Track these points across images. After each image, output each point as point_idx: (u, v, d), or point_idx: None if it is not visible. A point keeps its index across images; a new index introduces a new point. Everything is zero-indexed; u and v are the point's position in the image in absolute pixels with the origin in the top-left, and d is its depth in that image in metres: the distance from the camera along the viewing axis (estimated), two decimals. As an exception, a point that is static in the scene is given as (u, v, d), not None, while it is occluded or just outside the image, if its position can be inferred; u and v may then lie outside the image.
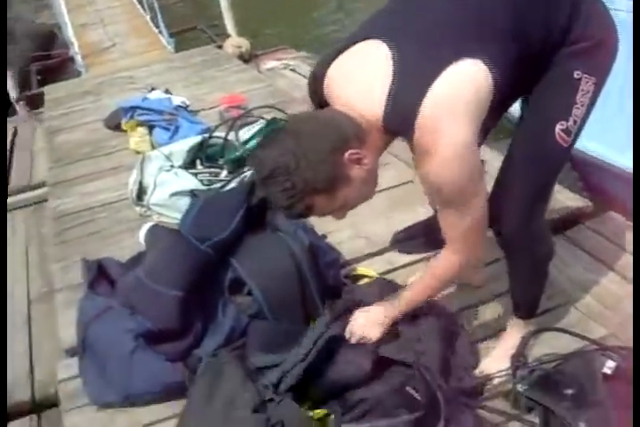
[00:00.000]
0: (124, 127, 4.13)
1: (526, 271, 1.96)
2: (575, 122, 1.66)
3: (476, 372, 2.03)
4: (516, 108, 1.81)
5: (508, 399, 1.92)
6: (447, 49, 1.49)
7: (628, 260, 2.52)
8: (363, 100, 1.53)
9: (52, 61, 8.46)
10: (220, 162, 3.30)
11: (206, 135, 3.43)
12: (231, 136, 3.36)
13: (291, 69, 5.69)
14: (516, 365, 1.97)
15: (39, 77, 7.71)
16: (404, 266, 2.60)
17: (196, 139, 3.41)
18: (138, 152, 3.87)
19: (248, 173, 3.08)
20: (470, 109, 1.49)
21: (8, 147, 5.08)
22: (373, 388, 1.87)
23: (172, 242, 2.14)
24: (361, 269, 2.55)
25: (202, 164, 3.32)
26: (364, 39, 1.57)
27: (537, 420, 1.82)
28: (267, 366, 1.86)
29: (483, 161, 1.61)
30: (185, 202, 2.96)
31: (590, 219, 2.85)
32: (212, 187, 3.07)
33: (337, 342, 1.89)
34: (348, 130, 1.52)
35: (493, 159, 2.32)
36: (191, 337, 2.00)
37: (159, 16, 7.55)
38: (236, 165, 3.25)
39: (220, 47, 6.43)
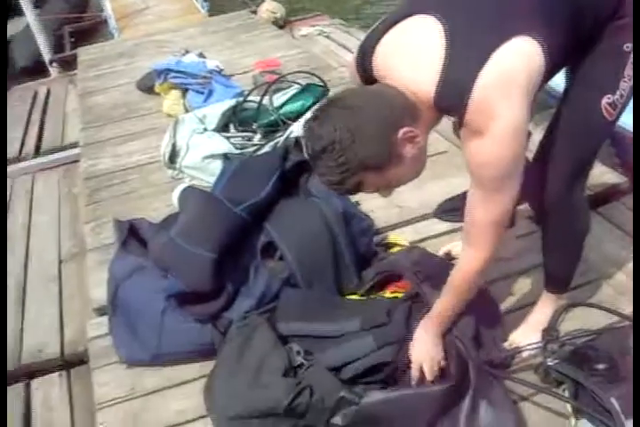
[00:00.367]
0: (157, 90, 4.11)
1: (562, 245, 1.93)
2: (622, 95, 1.62)
3: (506, 344, 2.01)
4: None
5: (537, 373, 1.91)
6: (500, 25, 1.45)
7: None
8: (414, 78, 1.49)
9: (84, 24, 8.45)
10: (254, 126, 3.26)
11: (240, 99, 3.39)
12: (265, 101, 3.32)
13: (325, 36, 5.63)
14: (547, 339, 1.95)
15: (72, 40, 7.70)
16: (435, 236, 2.58)
17: (230, 102, 3.38)
18: (170, 115, 3.86)
19: (281, 138, 3.06)
20: (524, 89, 1.44)
21: (41, 107, 5.09)
22: (403, 356, 1.85)
23: (206, 204, 2.13)
24: (392, 237, 2.53)
25: (235, 127, 3.29)
26: (415, 14, 1.53)
27: (566, 394, 1.79)
28: (297, 334, 1.84)
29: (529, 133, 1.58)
30: (217, 165, 2.94)
31: (625, 196, 2.81)
32: (244, 151, 3.05)
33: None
34: (403, 107, 1.48)
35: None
36: (222, 299, 1.99)
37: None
38: (270, 130, 3.23)
39: (254, 12, 6.36)
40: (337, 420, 1.65)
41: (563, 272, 2.00)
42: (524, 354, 1.96)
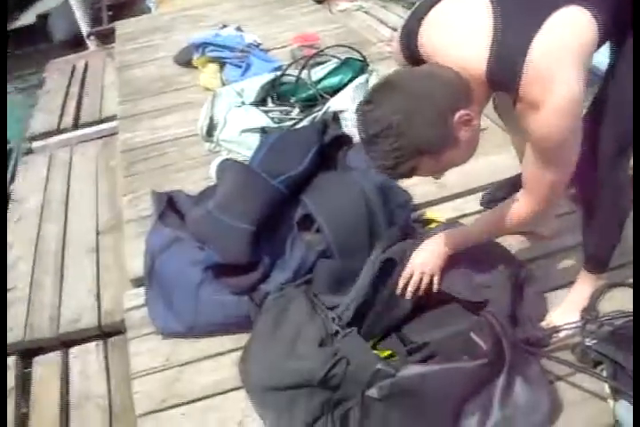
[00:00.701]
0: (194, 63, 4.10)
1: (604, 224, 1.88)
2: None
3: (543, 323, 1.98)
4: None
5: (574, 353, 1.87)
6: None
7: None
8: (463, 54, 1.46)
9: (122, -3, 8.44)
10: (292, 100, 3.23)
11: (278, 73, 3.37)
12: (304, 75, 3.29)
13: (364, 11, 5.55)
14: (586, 319, 1.91)
15: (110, 13, 7.70)
16: (473, 213, 2.52)
17: (269, 76, 3.35)
18: (208, 89, 3.84)
19: (319, 113, 3.03)
20: (578, 58, 1.40)
21: (79, 80, 5.12)
22: (437, 331, 1.84)
23: (244, 176, 2.12)
24: (430, 213, 2.49)
25: (273, 101, 3.27)
26: None
27: (604, 374, 1.77)
28: (333, 306, 1.84)
29: None
30: (255, 139, 2.93)
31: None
32: (282, 125, 3.02)
33: (393, 266, 1.87)
34: (458, 89, 1.45)
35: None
36: (259, 272, 1.99)
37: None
38: (307, 104, 3.20)
39: (292, -13, 6.28)
40: (372, 392, 1.63)
41: (602, 252, 1.95)
42: (562, 334, 1.93)
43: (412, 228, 2.30)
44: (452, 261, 1.89)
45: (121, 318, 2.45)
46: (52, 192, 3.60)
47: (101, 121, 4.34)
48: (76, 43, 6.92)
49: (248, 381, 1.86)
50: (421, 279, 1.86)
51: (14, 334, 2.62)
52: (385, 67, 3.49)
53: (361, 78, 3.19)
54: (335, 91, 3.24)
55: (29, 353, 2.59)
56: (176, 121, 3.65)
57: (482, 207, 2.55)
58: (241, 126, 3.04)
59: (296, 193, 2.14)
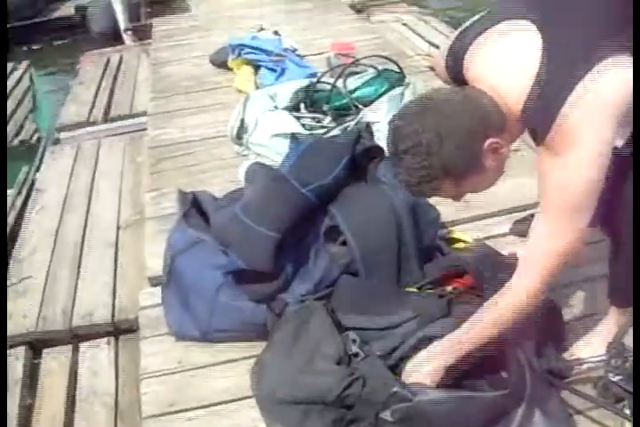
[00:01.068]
0: (230, 65, 4.08)
1: (631, 257, 1.82)
2: None
3: (566, 354, 1.93)
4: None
5: (597, 387, 1.82)
6: (602, 39, 1.37)
7: None
8: (506, 86, 1.43)
9: (162, -6, 8.47)
10: (325, 108, 3.20)
11: (314, 80, 3.34)
12: (339, 83, 3.25)
13: (402, 24, 5.53)
14: (611, 353, 1.85)
15: (148, 10, 7.74)
16: (499, 236, 2.49)
17: (303, 82, 3.33)
18: (240, 91, 3.83)
19: (352, 123, 3.00)
20: (614, 115, 1.36)
21: (113, 74, 5.12)
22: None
23: (274, 182, 2.08)
24: (456, 232, 2.45)
25: (306, 108, 3.24)
26: (512, 18, 1.46)
27: (627, 411, 1.71)
28: (353, 327, 1.80)
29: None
30: (284, 144, 2.88)
31: None
32: (313, 132, 2.99)
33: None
34: (492, 117, 1.43)
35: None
36: (280, 281, 1.95)
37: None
38: (340, 113, 3.17)
39: (333, -5, 6.28)
40: (386, 415, 1.59)
41: (630, 286, 1.90)
42: (585, 367, 1.88)
43: (438, 246, 2.26)
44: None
45: (135, 316, 2.42)
46: (76, 184, 3.59)
47: (131, 116, 4.33)
48: (112, 37, 6.94)
49: (260, 391, 1.81)
50: None
51: (26, 324, 2.60)
52: (421, 80, 3.47)
53: (396, 90, 3.16)
54: (369, 101, 3.21)
55: (40, 345, 2.57)
56: (206, 121, 3.64)
57: (507, 230, 2.51)
58: (272, 131, 3.01)
59: (325, 203, 2.10)
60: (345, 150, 2.25)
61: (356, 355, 1.69)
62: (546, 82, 1.37)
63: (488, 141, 1.41)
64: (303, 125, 3.06)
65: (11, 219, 3.44)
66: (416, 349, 1.73)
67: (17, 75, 5.66)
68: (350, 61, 3.58)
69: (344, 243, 2.05)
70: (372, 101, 3.18)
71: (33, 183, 3.74)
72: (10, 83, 5.47)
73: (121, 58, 5.49)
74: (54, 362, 2.48)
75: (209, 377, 2.01)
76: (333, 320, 1.79)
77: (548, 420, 1.66)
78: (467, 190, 1.53)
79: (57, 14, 8.62)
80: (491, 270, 1.96)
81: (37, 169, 3.87)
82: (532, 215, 2.44)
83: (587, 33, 1.40)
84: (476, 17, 1.57)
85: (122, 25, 6.64)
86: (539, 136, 1.42)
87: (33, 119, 4.76)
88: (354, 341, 1.72)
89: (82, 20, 8.03)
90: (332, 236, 2.06)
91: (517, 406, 1.65)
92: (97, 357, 2.45)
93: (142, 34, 6.25)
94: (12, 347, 2.52)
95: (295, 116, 3.13)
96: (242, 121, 3.13)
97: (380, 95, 3.20)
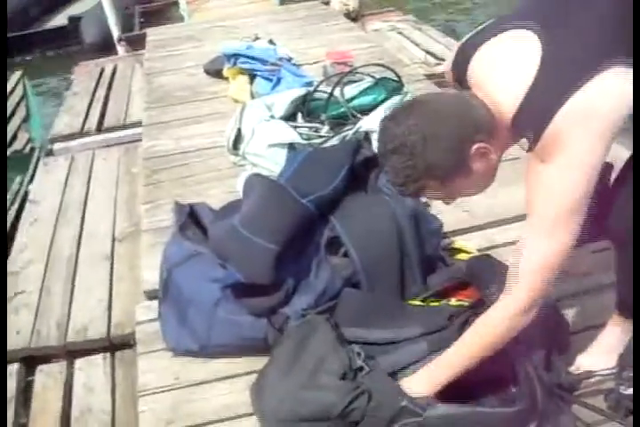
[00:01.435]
0: (225, 74, 4.04)
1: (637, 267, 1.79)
2: None
3: (573, 368, 1.88)
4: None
5: (607, 400, 1.77)
6: (602, 51, 1.39)
7: None
8: (500, 94, 1.46)
9: (154, 4, 8.48)
10: (322, 117, 3.15)
11: (311, 89, 3.29)
12: (336, 92, 3.21)
13: (398, 32, 5.51)
14: (621, 365, 1.81)
15: (142, 20, 7.74)
16: (503, 245, 2.44)
17: (300, 91, 3.28)
18: (236, 101, 3.79)
19: (350, 132, 2.95)
20: (607, 126, 1.36)
21: (107, 84, 5.08)
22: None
23: (273, 193, 2.04)
24: (459, 242, 2.41)
25: (303, 117, 3.19)
26: (518, 28, 1.48)
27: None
28: (356, 341, 1.75)
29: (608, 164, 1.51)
30: (282, 154, 2.85)
31: None
32: (311, 141, 2.95)
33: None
34: (483, 122, 1.45)
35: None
36: (281, 294, 1.90)
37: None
38: (338, 122, 3.12)
39: (326, 4, 6.27)
40: (395, 430, 1.55)
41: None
42: (595, 379, 1.83)
43: (441, 257, 2.22)
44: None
45: (131, 331, 2.37)
46: (70, 195, 3.54)
47: (125, 126, 4.29)
48: (105, 47, 6.95)
49: (261, 408, 1.75)
50: None
51: (19, 340, 2.53)
52: (419, 88, 3.44)
53: (395, 99, 3.12)
54: (367, 110, 3.17)
55: (34, 361, 2.51)
56: (201, 131, 3.60)
57: (514, 238, 2.46)
58: (268, 140, 2.96)
59: (325, 213, 2.06)
60: (344, 160, 2.21)
61: (361, 369, 1.64)
62: (542, 90, 1.39)
63: (476, 146, 1.43)
64: (300, 135, 3.01)
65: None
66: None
67: (10, 84, 5.60)
68: (347, 70, 3.55)
69: (345, 254, 2.01)
70: (370, 110, 3.14)
71: (26, 194, 3.69)
72: (2, 92, 5.43)
73: (115, 68, 5.45)
74: (48, 379, 2.42)
75: (208, 394, 1.95)
76: (337, 334, 1.74)
77: (560, 435, 1.62)
78: (455, 193, 1.56)
79: (50, 25, 8.61)
80: (496, 282, 1.92)
81: (31, 180, 3.82)
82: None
83: (587, 45, 1.41)
84: (480, 28, 1.60)
85: (115, 35, 6.62)
86: (530, 143, 1.43)
87: (26, 129, 4.71)
88: (358, 354, 1.67)
89: (75, 30, 8.03)
90: (332, 247, 2.01)
91: (531, 422, 1.60)
92: (92, 373, 2.39)
93: (136, 44, 6.24)
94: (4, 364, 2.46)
95: (292, 126, 3.08)
96: (238, 131, 3.07)
97: (379, 104, 3.16)
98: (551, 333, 1.86)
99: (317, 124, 3.15)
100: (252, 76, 3.88)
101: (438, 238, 2.22)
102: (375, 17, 6.06)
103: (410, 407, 1.52)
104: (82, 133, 4.27)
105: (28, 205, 3.54)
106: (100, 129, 4.32)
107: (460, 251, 2.35)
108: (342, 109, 3.17)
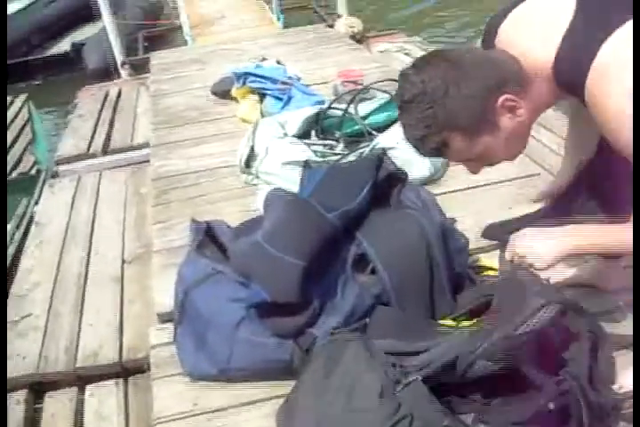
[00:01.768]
0: (234, 94, 3.98)
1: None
2: None
3: (615, 386, 1.78)
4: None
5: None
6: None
7: None
8: (533, 45, 1.41)
9: (158, 29, 8.51)
10: (337, 135, 3.09)
11: (324, 106, 3.23)
12: (350, 109, 3.15)
13: (405, 53, 5.47)
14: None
15: (145, 44, 7.74)
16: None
17: (313, 109, 3.22)
18: (245, 120, 3.73)
19: (367, 149, 2.89)
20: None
21: (112, 107, 5.04)
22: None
23: (297, 208, 1.95)
24: (484, 260, 2.32)
25: (317, 135, 3.13)
26: None
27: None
28: (391, 352, 1.64)
29: None
30: (296, 172, 2.76)
31: None
32: (326, 159, 2.88)
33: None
34: (510, 72, 1.40)
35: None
36: (308, 313, 1.79)
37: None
38: (353, 140, 3.06)
39: (330, 26, 6.26)
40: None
41: None
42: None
43: (469, 275, 2.14)
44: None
45: (144, 355, 2.28)
46: (77, 217, 3.46)
47: (132, 148, 4.22)
48: (108, 73, 6.92)
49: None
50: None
51: (27, 366, 2.43)
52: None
53: (411, 115, 3.05)
54: (381, 127, 3.11)
55: (42, 387, 2.40)
56: (210, 151, 3.52)
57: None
58: (283, 159, 2.89)
59: (350, 229, 1.97)
60: (367, 175, 2.12)
61: (398, 382, 1.53)
62: (576, 40, 1.34)
63: (503, 97, 1.37)
64: (315, 153, 2.95)
65: (10, 253, 3.29)
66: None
67: (15, 107, 5.55)
68: (364, 86, 3.50)
69: (372, 271, 1.91)
70: (384, 127, 3.08)
71: (32, 217, 3.60)
72: (8, 116, 5.36)
73: (119, 91, 5.41)
74: (58, 406, 2.31)
75: (229, 420, 1.84)
76: (369, 350, 1.64)
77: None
78: (481, 156, 1.46)
79: (52, 51, 8.62)
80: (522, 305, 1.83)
81: (36, 202, 3.74)
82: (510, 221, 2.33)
83: None
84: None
85: (119, 59, 6.58)
86: (577, 89, 1.36)
87: (31, 152, 4.65)
88: (393, 365, 1.56)
89: (77, 56, 8.04)
90: (360, 264, 1.92)
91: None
92: (104, 400, 2.28)
93: (139, 68, 6.21)
94: (12, 390, 2.35)
95: (306, 144, 3.02)
96: (251, 149, 3.01)
97: (393, 121, 3.09)
98: (594, 349, 1.76)
99: (332, 142, 3.09)
100: (262, 96, 3.82)
101: (466, 255, 2.14)
102: (380, 39, 6.03)
103: (452, 427, 1.43)
104: (88, 155, 4.21)
105: (33, 227, 3.46)
106: (106, 151, 4.25)
107: (486, 268, 2.26)
108: (357, 127, 3.12)
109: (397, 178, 2.21)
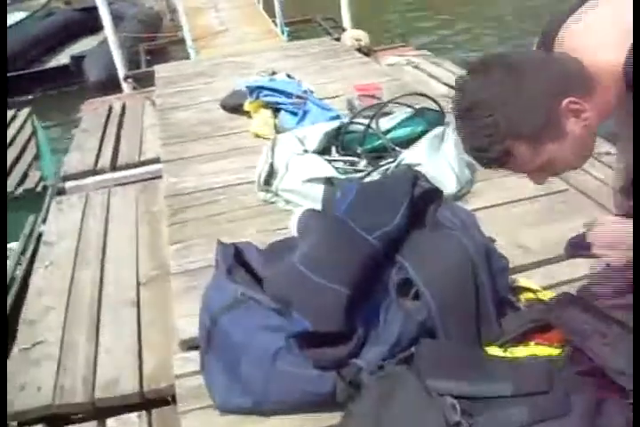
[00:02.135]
0: (246, 108, 3.86)
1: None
2: None
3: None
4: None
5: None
6: None
7: None
8: (598, 44, 1.33)
9: (159, 42, 8.45)
10: (359, 150, 2.98)
11: (344, 121, 3.13)
12: (372, 124, 3.04)
13: (414, 66, 5.39)
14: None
15: (148, 57, 7.67)
16: (566, 282, 2.24)
17: (333, 124, 3.11)
18: (257, 135, 3.62)
19: (392, 165, 2.78)
20: None
21: (117, 121, 4.93)
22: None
23: (336, 230, 1.84)
24: (522, 280, 2.21)
25: (337, 151, 3.02)
26: None
27: None
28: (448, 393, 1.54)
29: None
30: (317, 189, 2.66)
31: None
32: (349, 176, 2.77)
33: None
34: (574, 74, 1.32)
35: None
36: (352, 343, 1.68)
37: (278, 3, 7.35)
38: (375, 156, 2.95)
39: (337, 40, 6.21)
40: None
41: None
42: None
43: (509, 298, 2.03)
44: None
45: (167, 385, 2.16)
46: (87, 236, 3.32)
47: (141, 164, 4.10)
48: (109, 85, 6.84)
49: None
50: None
51: (41, 397, 2.28)
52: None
53: (436, 130, 2.95)
54: (403, 143, 3.00)
55: (59, 421, 2.25)
56: (225, 168, 3.39)
57: (575, 275, 2.26)
58: (304, 176, 2.78)
59: (390, 252, 1.86)
60: (403, 194, 2.01)
61: (458, 424, 1.43)
62: None
63: (567, 100, 1.28)
64: (337, 169, 2.84)
65: (18, 275, 3.16)
66: None
67: (18, 122, 5.42)
68: (375, 102, 3.40)
69: (416, 296, 1.80)
70: (407, 143, 2.98)
71: (40, 236, 3.46)
72: (11, 131, 5.23)
73: (123, 105, 5.29)
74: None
75: (265, 458, 1.73)
76: (425, 387, 1.53)
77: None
78: (547, 164, 1.37)
79: (51, 64, 8.54)
80: (589, 323, 1.72)
81: (44, 220, 3.60)
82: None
83: None
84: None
85: (121, 73, 6.50)
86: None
87: (37, 167, 4.52)
88: (453, 407, 1.45)
89: (78, 69, 7.96)
90: (402, 289, 1.81)
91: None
92: (128, 436, 2.15)
93: (142, 81, 6.12)
94: (26, 424, 2.21)
95: (327, 160, 2.90)
96: (271, 166, 2.89)
97: (417, 136, 2.99)
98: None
99: (354, 158, 2.98)
100: (276, 110, 3.72)
101: (506, 277, 2.03)
102: (387, 52, 5.96)
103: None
104: (95, 171, 4.08)
105: (42, 246, 3.32)
106: (114, 167, 4.13)
107: (525, 289, 2.15)
108: (379, 142, 3.00)
109: (433, 196, 2.11)
